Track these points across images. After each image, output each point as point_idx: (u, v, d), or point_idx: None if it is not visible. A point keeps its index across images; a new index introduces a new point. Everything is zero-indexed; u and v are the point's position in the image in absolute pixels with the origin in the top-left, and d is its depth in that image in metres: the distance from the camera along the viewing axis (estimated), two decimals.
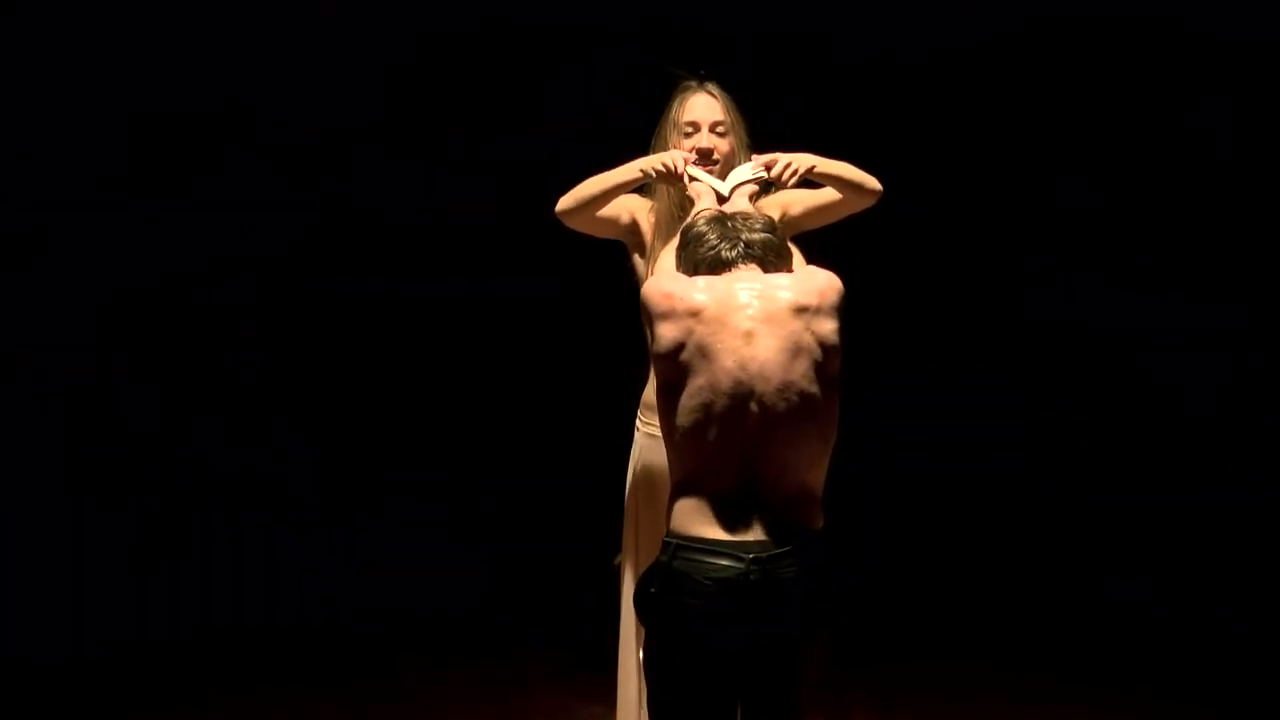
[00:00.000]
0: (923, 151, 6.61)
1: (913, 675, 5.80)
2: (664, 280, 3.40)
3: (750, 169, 3.88)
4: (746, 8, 6.43)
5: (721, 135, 4.06)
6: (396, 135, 6.59)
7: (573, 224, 4.14)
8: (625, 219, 4.21)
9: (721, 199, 3.79)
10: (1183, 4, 6.42)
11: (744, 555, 3.20)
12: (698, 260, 3.41)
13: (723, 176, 3.97)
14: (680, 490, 3.29)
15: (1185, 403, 6.70)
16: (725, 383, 3.24)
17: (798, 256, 3.53)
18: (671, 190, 4.10)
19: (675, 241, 3.54)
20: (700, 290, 3.32)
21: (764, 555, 3.20)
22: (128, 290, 6.63)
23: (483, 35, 6.52)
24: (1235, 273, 6.70)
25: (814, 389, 3.25)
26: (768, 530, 3.23)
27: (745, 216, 3.47)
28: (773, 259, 3.40)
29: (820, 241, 4.03)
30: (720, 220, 3.45)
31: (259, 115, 6.58)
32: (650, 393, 3.96)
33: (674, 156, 3.96)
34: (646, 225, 4.20)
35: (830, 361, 3.29)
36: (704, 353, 3.26)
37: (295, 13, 6.48)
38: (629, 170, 4.02)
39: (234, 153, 6.59)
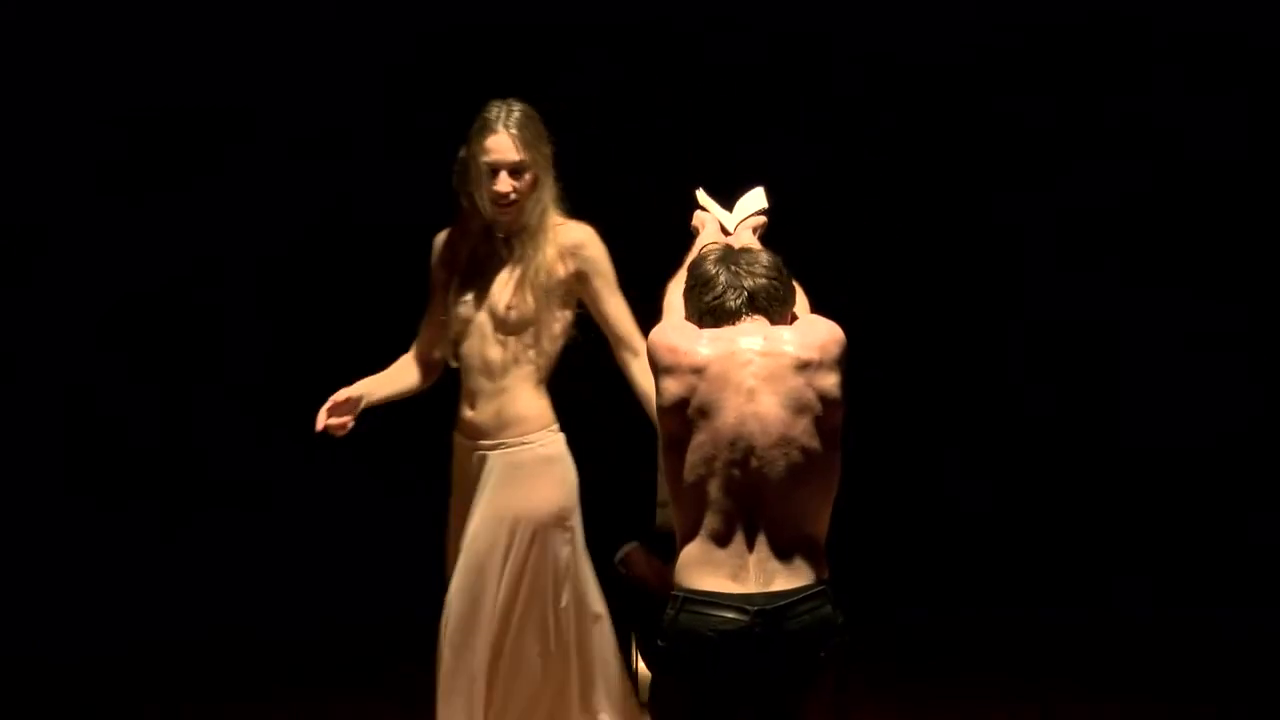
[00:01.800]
0: (922, 154, 6.63)
1: (912, 675, 5.81)
2: (669, 333, 3.40)
3: (757, 197, 3.85)
4: (748, 8, 6.44)
5: (517, 175, 4.06)
6: (396, 135, 6.59)
7: (433, 378, 4.40)
8: (439, 297, 4.34)
9: (726, 231, 3.79)
10: (1187, 4, 6.43)
11: (748, 608, 3.22)
12: (702, 309, 3.40)
13: (520, 212, 4.05)
14: (685, 543, 3.31)
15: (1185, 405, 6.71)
16: (726, 438, 3.25)
17: (801, 299, 3.51)
18: (482, 213, 4.12)
19: (683, 278, 3.52)
20: (704, 345, 3.32)
21: (768, 608, 3.22)
22: (128, 290, 6.63)
23: (483, 35, 6.52)
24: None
25: (814, 443, 3.26)
26: (772, 582, 3.25)
27: (751, 260, 3.45)
28: (777, 308, 3.40)
29: (824, 256, 4.01)
30: (726, 262, 3.43)
31: (259, 115, 6.58)
32: None
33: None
34: (445, 267, 4.32)
35: (831, 415, 3.29)
36: (706, 410, 3.27)
37: (295, 12, 6.48)
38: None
39: (234, 152, 6.59)
